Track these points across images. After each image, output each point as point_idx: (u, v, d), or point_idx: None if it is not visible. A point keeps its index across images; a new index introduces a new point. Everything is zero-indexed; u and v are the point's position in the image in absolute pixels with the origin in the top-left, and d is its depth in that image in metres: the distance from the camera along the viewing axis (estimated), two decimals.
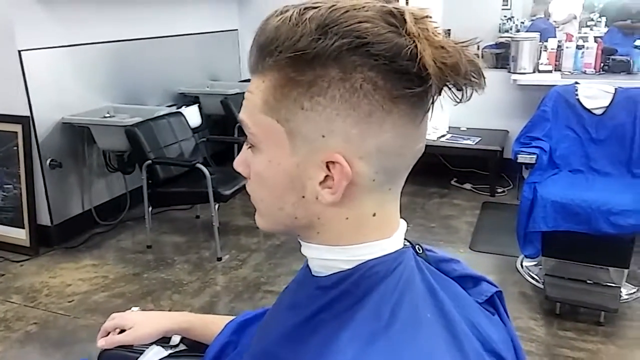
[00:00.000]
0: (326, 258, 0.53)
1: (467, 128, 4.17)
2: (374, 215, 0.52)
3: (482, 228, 3.36)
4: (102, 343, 0.93)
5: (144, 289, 2.76)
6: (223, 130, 4.08)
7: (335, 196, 0.49)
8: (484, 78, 0.48)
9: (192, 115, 3.77)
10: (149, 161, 3.01)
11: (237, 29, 4.81)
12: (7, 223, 3.21)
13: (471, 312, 0.57)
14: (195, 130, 3.63)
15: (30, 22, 2.96)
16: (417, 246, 0.58)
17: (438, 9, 4.06)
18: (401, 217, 0.56)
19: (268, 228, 0.57)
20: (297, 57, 0.46)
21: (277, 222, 0.56)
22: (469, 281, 0.62)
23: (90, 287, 2.79)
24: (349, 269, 0.52)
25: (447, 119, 4.11)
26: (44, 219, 3.18)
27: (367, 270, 0.51)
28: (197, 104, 4.01)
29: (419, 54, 0.45)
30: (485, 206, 3.70)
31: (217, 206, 3.03)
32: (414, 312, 0.50)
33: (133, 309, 1.02)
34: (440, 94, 0.48)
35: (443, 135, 4.04)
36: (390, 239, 0.53)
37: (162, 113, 3.34)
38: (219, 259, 3.04)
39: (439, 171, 4.15)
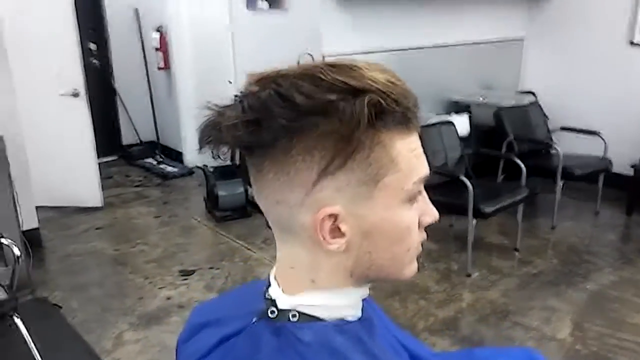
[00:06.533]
0: None
1: None
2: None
3: None
4: None
5: (393, 288, 2.90)
6: (490, 142, 3.96)
7: None
8: None
9: (461, 124, 3.76)
10: None
11: (522, 38, 4.57)
12: None
13: None
14: (462, 139, 3.61)
15: (333, 28, 3.36)
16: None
17: None
18: None
19: None
20: None
21: None
22: None
23: None
24: None
25: None
26: None
27: None
28: (468, 113, 3.98)
29: None
30: None
31: (474, 221, 2.98)
32: None
33: None
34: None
35: None
36: None
37: (434, 121, 3.42)
38: (468, 275, 3.00)
39: None
